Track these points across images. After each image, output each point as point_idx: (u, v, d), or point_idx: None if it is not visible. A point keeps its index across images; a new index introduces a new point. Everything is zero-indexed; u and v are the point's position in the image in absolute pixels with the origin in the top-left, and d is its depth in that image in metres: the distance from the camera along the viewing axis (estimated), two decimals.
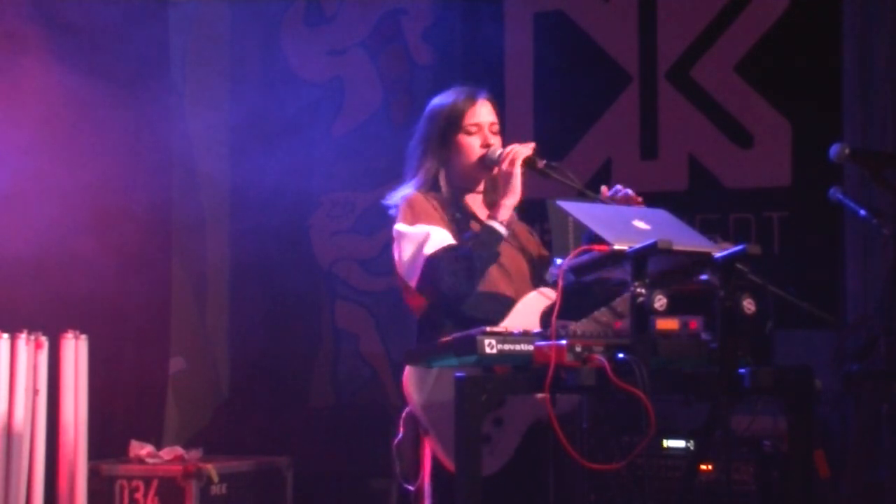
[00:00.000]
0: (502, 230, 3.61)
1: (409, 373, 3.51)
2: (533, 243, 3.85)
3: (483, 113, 3.76)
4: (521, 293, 3.67)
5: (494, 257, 3.62)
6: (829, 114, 5.53)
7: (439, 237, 3.60)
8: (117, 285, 5.75)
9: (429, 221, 3.64)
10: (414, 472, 3.58)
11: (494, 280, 3.67)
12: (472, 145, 3.73)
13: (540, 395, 3.42)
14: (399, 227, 3.66)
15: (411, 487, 3.59)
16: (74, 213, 5.45)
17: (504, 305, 3.60)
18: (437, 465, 3.52)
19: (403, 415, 3.58)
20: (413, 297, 3.67)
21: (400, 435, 3.60)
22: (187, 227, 6.50)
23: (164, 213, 6.25)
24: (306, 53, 6.63)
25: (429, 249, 3.56)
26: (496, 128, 3.78)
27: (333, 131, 6.58)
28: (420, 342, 3.66)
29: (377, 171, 6.01)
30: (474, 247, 3.57)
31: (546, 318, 3.45)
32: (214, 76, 6.69)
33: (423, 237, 3.60)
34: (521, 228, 3.88)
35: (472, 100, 3.75)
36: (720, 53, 5.82)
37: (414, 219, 3.64)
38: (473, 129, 3.74)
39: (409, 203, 3.68)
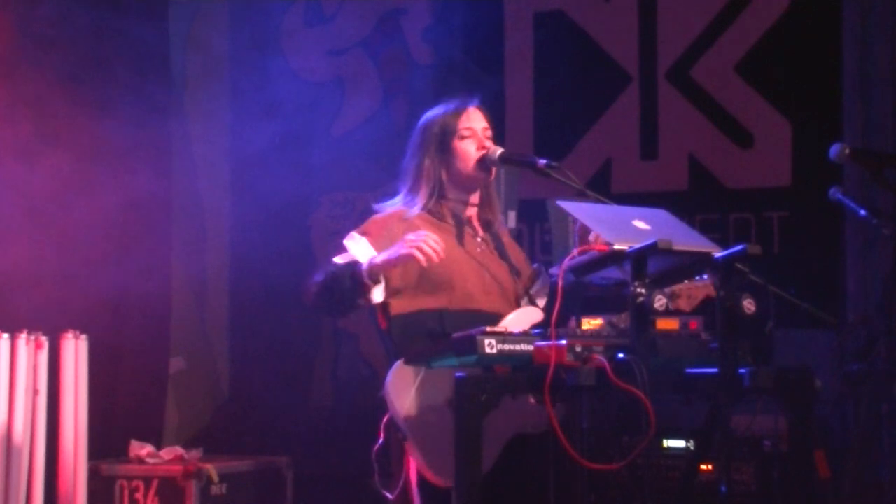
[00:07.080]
0: (365, 277, 3.60)
1: (392, 380, 3.52)
2: (519, 258, 3.86)
3: (475, 118, 3.81)
4: (500, 308, 3.67)
5: (356, 293, 3.63)
6: (829, 114, 5.52)
7: (353, 252, 3.68)
8: (117, 285, 5.74)
9: (373, 238, 3.70)
10: (394, 479, 3.58)
11: (474, 296, 3.68)
12: (468, 149, 3.77)
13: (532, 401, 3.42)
14: (348, 238, 3.75)
15: (390, 496, 3.57)
16: (74, 214, 5.44)
17: (483, 322, 3.54)
18: (421, 474, 3.51)
19: (384, 421, 3.58)
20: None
21: (380, 441, 3.59)
22: (187, 226, 6.50)
23: (164, 212, 6.25)
24: (306, 53, 6.63)
25: (336, 259, 3.69)
26: (489, 133, 3.83)
27: (333, 131, 6.57)
28: (394, 351, 3.69)
29: (377, 171, 6.00)
30: (339, 274, 3.63)
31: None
32: (214, 76, 6.69)
33: (347, 249, 3.71)
34: (510, 241, 3.90)
35: (463, 106, 3.83)
36: (720, 53, 5.81)
37: (361, 232, 3.74)
38: (467, 132, 3.78)
39: (373, 217, 3.79)
